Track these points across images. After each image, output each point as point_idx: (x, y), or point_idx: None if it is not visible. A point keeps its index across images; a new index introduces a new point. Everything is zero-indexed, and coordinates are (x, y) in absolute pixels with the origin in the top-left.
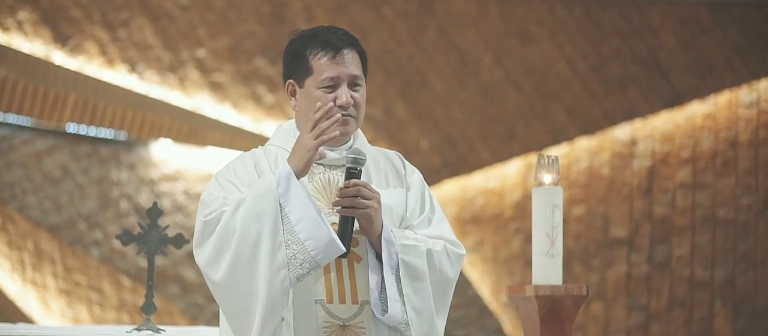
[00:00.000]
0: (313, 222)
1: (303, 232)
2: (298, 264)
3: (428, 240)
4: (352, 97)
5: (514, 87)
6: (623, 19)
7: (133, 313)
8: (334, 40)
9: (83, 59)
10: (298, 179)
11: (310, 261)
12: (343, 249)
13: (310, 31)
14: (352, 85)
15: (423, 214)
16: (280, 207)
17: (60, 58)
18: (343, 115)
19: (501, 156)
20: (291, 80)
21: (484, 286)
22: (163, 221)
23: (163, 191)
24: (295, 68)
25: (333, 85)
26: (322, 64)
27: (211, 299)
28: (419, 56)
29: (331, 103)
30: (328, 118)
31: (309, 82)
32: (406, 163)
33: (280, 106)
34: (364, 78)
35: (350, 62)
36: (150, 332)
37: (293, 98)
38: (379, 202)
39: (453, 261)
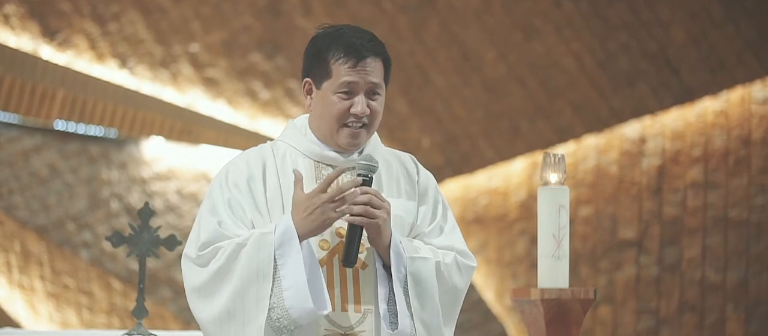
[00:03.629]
0: (301, 295)
1: (289, 300)
2: (283, 326)
3: (438, 252)
4: (368, 105)
5: (518, 83)
6: (631, 13)
7: (124, 318)
8: (358, 46)
9: (72, 54)
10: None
11: (294, 322)
12: (328, 309)
13: (335, 31)
14: (371, 93)
15: (434, 222)
16: (276, 267)
17: (48, 52)
18: (356, 125)
19: (505, 154)
20: (308, 79)
21: (487, 289)
22: (154, 222)
23: (155, 191)
24: (315, 68)
25: (350, 92)
26: (342, 70)
27: None
28: (420, 51)
29: (366, 196)
30: (360, 202)
31: (326, 85)
32: (420, 167)
33: (276, 102)
34: (384, 86)
35: (372, 71)
36: None
37: (309, 97)
38: (388, 213)
39: (463, 273)
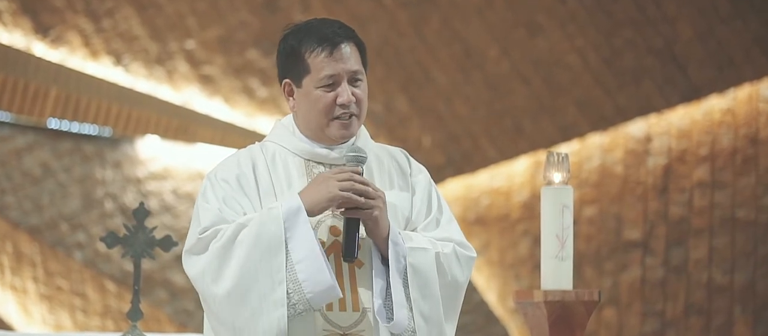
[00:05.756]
0: (316, 265)
1: (302, 273)
2: (292, 304)
3: (437, 243)
4: (353, 93)
5: (521, 80)
6: (637, 9)
7: (119, 320)
8: (330, 35)
9: (65, 51)
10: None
11: (305, 303)
12: (341, 294)
13: (303, 26)
14: (353, 80)
15: (430, 216)
16: (285, 242)
17: (41, 49)
18: (345, 116)
19: (508, 153)
20: (287, 80)
21: (490, 291)
22: (150, 222)
23: (150, 191)
24: (291, 67)
25: (332, 83)
26: (319, 62)
27: (200, 305)
28: (421, 48)
29: (371, 189)
30: (361, 183)
31: (307, 81)
32: (412, 161)
33: (274, 100)
34: (364, 71)
35: (349, 57)
36: None
37: (291, 98)
38: (384, 202)
39: (463, 264)
